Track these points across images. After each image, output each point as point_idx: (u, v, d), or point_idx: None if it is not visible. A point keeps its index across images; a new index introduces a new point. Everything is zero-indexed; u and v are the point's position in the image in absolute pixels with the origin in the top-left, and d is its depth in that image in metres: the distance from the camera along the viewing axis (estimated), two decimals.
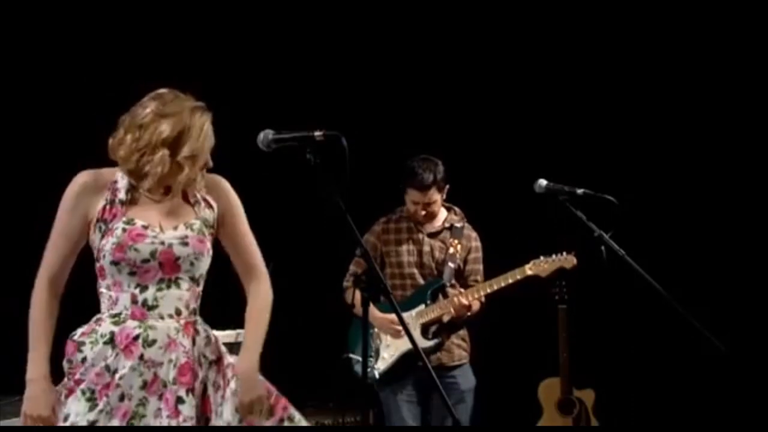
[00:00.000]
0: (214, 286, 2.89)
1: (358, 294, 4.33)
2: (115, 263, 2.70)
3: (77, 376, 2.72)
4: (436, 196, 4.51)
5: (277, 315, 4.86)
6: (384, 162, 4.99)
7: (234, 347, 4.79)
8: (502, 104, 6.05)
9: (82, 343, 2.73)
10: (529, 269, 4.45)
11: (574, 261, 4.45)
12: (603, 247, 3.73)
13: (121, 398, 2.68)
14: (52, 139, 5.50)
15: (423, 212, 4.53)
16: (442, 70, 6.14)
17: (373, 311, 4.47)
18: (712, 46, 5.62)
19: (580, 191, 3.88)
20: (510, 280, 4.46)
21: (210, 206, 2.86)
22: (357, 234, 2.91)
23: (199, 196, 2.85)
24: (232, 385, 2.84)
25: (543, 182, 3.96)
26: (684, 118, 5.72)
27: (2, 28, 5.47)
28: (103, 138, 2.81)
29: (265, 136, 2.90)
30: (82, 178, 2.76)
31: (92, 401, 2.68)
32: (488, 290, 4.47)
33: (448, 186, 4.55)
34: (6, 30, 5.48)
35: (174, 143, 2.71)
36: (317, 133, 2.87)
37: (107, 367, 2.69)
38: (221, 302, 3.03)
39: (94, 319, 2.76)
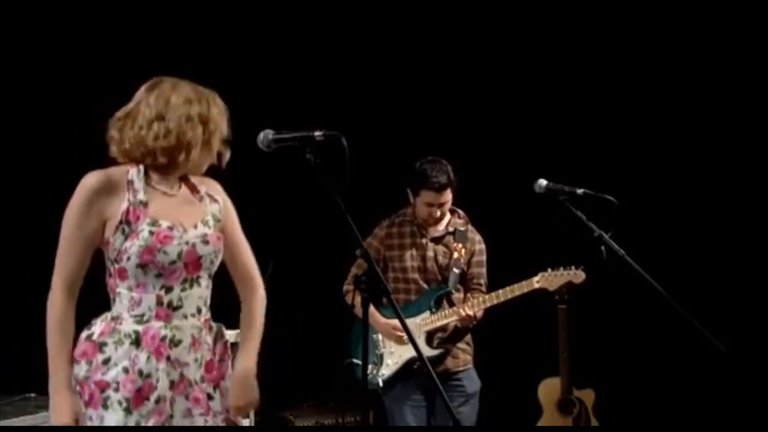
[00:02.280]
0: (214, 286, 2.89)
1: (359, 296, 4.33)
2: (141, 266, 2.66)
3: (98, 377, 2.65)
4: (449, 196, 4.52)
5: (278, 315, 4.87)
6: (384, 162, 4.99)
7: (234, 347, 4.81)
8: (502, 105, 6.04)
9: (104, 344, 2.67)
10: (536, 282, 4.43)
11: (583, 276, 4.42)
12: (603, 247, 3.73)
13: (158, 401, 2.66)
14: (49, 140, 5.50)
15: (438, 213, 4.53)
16: (442, 70, 6.14)
17: (377, 317, 4.48)
18: (712, 46, 5.62)
19: (580, 191, 3.88)
20: (517, 293, 4.44)
21: (215, 200, 2.88)
22: (357, 234, 2.91)
23: (203, 191, 2.86)
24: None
25: (543, 182, 3.96)
26: (684, 118, 5.72)
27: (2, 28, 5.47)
28: (100, 137, 2.81)
29: (265, 136, 2.90)
30: (94, 178, 2.70)
31: (128, 411, 2.63)
32: (494, 302, 4.45)
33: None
34: (6, 30, 5.48)
35: (203, 123, 2.73)
36: (317, 133, 2.87)
37: (140, 372, 2.65)
38: (221, 302, 3.03)
39: (110, 317, 2.71)
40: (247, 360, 2.92)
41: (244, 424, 4.79)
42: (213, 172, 2.95)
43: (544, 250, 4.52)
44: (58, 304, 2.66)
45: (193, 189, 2.86)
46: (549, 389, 5.24)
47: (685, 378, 5.51)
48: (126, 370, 2.64)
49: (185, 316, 2.73)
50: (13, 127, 5.40)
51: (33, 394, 4.44)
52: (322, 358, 4.97)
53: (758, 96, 5.57)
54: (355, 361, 4.53)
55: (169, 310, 2.70)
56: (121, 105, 2.85)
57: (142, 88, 2.79)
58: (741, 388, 5.28)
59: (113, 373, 2.64)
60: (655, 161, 5.75)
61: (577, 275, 4.43)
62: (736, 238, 5.60)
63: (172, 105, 2.72)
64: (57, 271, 2.69)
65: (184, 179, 2.85)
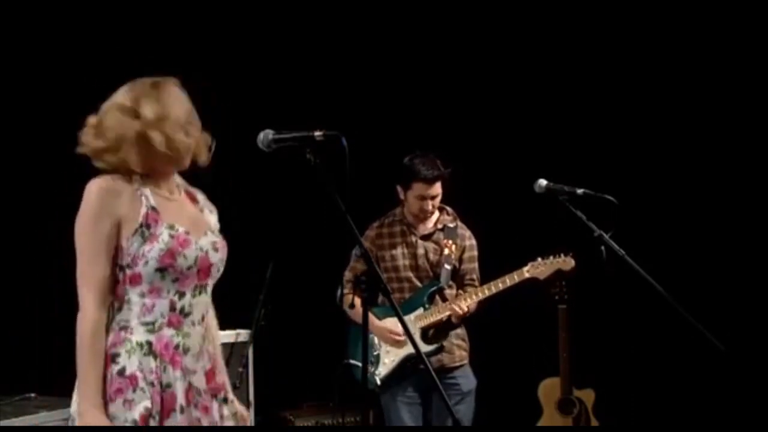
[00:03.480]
0: (214, 286, 2.88)
1: (357, 299, 4.33)
2: (161, 270, 2.62)
3: (115, 387, 2.58)
4: (440, 189, 4.53)
5: (278, 315, 4.87)
6: (384, 162, 4.98)
7: (234, 347, 4.83)
8: (502, 104, 6.04)
9: (117, 354, 2.60)
10: (526, 272, 4.46)
11: (573, 263, 4.45)
12: (603, 247, 3.73)
13: (182, 411, 2.64)
14: (49, 141, 5.50)
15: (430, 206, 4.54)
16: (442, 70, 6.14)
17: (373, 320, 4.48)
18: (712, 46, 5.62)
19: (580, 191, 3.88)
20: (508, 283, 4.46)
21: (211, 210, 2.89)
22: (357, 234, 2.91)
23: (201, 201, 2.86)
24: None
25: (543, 182, 3.96)
26: (683, 118, 5.71)
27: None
28: None
29: (265, 136, 2.89)
30: (103, 181, 2.64)
31: (162, 422, 2.60)
32: (486, 293, 4.47)
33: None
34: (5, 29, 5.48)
35: (135, 117, 2.65)
36: (317, 133, 2.86)
37: (161, 384, 2.61)
38: (221, 302, 3.02)
39: (119, 327, 2.64)
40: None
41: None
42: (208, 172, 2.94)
43: (543, 251, 4.52)
44: (90, 318, 2.58)
45: (193, 199, 2.85)
46: (549, 389, 5.24)
47: (685, 378, 5.51)
48: (152, 384, 2.60)
49: (193, 323, 2.70)
50: (12, 128, 5.40)
51: (33, 394, 4.45)
52: (322, 358, 4.96)
53: (758, 96, 5.56)
54: (353, 362, 4.53)
55: (180, 316, 2.67)
56: None
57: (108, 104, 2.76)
58: (741, 388, 5.28)
59: (145, 400, 2.57)
60: (655, 161, 5.75)
61: (566, 262, 4.45)
62: (735, 238, 5.60)
63: (107, 108, 2.69)
64: (85, 284, 2.60)
65: (182, 188, 2.83)
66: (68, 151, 2.75)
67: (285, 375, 5.76)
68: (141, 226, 2.63)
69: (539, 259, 4.47)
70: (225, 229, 2.90)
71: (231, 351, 4.80)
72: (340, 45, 6.11)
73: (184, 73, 2.84)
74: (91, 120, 2.70)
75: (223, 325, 4.59)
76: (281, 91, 5.95)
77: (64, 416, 4.15)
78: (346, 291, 4.54)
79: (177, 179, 2.83)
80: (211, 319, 2.87)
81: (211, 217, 2.87)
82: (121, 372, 2.58)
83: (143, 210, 2.64)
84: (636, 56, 5.78)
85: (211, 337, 2.83)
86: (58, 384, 4.58)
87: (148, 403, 2.57)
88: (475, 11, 6.07)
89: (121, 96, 2.70)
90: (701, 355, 4.01)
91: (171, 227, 2.65)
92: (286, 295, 5.11)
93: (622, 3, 5.79)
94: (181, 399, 2.62)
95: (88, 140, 2.68)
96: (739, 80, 5.59)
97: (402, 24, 6.13)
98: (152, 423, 2.57)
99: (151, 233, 2.63)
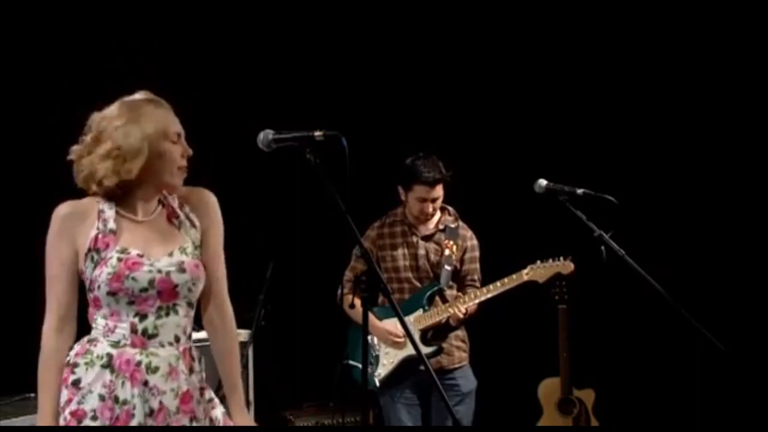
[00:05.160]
0: None
1: (358, 298, 4.33)
2: (112, 293, 2.62)
3: (74, 407, 2.60)
4: (441, 191, 4.53)
5: (278, 315, 4.87)
6: (384, 162, 4.98)
7: (241, 346, 4.82)
8: (502, 104, 6.04)
9: (76, 365, 2.64)
10: (525, 274, 4.46)
11: (572, 267, 4.45)
12: (603, 247, 3.73)
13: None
14: (48, 141, 5.49)
15: (430, 208, 4.54)
16: (442, 70, 6.14)
17: (373, 321, 4.48)
18: (712, 46, 5.62)
19: (580, 191, 3.88)
20: (507, 285, 4.46)
21: (194, 225, 2.79)
22: (357, 234, 2.91)
23: (182, 215, 2.78)
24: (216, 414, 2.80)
25: (543, 182, 3.96)
26: (683, 117, 5.71)
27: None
28: None
29: (265, 136, 2.89)
30: (64, 207, 2.70)
31: None
32: (486, 295, 4.47)
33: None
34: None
35: (99, 141, 2.66)
36: (317, 133, 2.86)
37: (116, 399, 2.60)
38: None
39: (86, 339, 2.68)
40: (241, 402, 2.85)
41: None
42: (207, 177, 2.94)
43: (543, 252, 4.52)
44: (47, 339, 2.66)
45: (172, 213, 2.77)
46: (549, 389, 5.24)
47: (685, 378, 5.51)
48: (102, 398, 2.60)
49: (162, 345, 2.66)
50: (12, 128, 5.39)
51: (33, 394, 4.43)
52: (322, 358, 4.96)
53: (758, 96, 5.56)
54: (352, 362, 4.53)
55: (144, 338, 2.64)
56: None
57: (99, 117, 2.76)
58: (741, 387, 5.28)
59: (90, 402, 2.60)
60: (655, 161, 5.75)
61: (566, 266, 4.45)
62: (735, 238, 5.60)
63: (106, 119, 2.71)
64: (47, 305, 2.68)
65: (163, 203, 2.77)
66: (66, 151, 2.75)
67: (285, 375, 5.75)
68: (89, 250, 2.65)
69: (538, 262, 4.46)
70: (225, 230, 2.89)
71: None
72: (339, 45, 6.11)
73: (183, 73, 2.84)
74: (92, 131, 2.70)
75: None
76: (281, 91, 5.95)
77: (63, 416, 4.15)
78: (346, 291, 4.54)
79: (163, 191, 2.78)
80: (229, 340, 2.85)
81: (191, 234, 2.77)
82: (76, 383, 2.62)
83: (92, 233, 2.65)
84: (636, 56, 5.78)
85: (219, 356, 2.83)
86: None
87: (86, 407, 2.59)
88: (475, 12, 6.07)
89: (122, 109, 2.70)
90: (701, 355, 4.01)
91: (123, 251, 2.64)
92: (286, 295, 5.12)
93: (622, 3, 5.79)
94: (139, 417, 2.59)
95: (85, 149, 2.69)
96: (739, 80, 5.59)
97: (402, 24, 6.12)
98: (76, 415, 2.60)
99: (101, 257, 2.64)
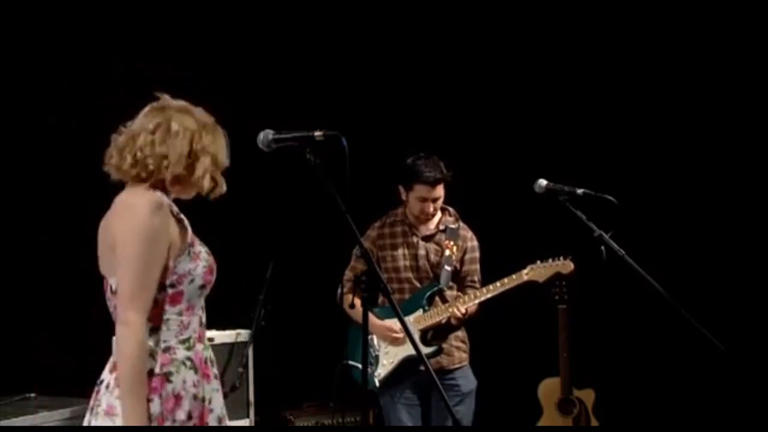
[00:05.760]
0: (215, 286, 2.88)
1: (358, 298, 4.33)
2: (203, 287, 2.68)
3: (171, 406, 2.58)
4: (442, 191, 4.53)
5: (278, 315, 4.87)
6: (384, 162, 4.98)
7: (234, 347, 4.84)
8: (502, 104, 6.04)
9: (170, 373, 2.60)
10: (525, 274, 4.45)
11: (572, 266, 4.45)
12: (603, 247, 3.73)
13: (219, 421, 2.70)
14: (48, 142, 5.50)
15: (431, 208, 4.54)
16: (442, 70, 6.14)
17: (373, 319, 4.47)
18: (712, 46, 5.62)
19: (580, 191, 3.88)
20: (507, 285, 4.46)
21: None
22: (357, 234, 2.91)
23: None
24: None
25: (543, 182, 3.96)
26: (684, 117, 5.71)
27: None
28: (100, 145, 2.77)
29: (265, 136, 2.90)
30: (156, 199, 2.60)
31: None
32: (486, 296, 4.47)
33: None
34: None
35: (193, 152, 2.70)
36: (317, 133, 2.87)
37: (203, 399, 2.67)
38: (221, 302, 3.03)
39: (161, 348, 2.61)
40: None
41: (244, 424, 4.81)
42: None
43: (543, 252, 4.52)
44: (144, 338, 2.52)
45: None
46: (549, 389, 5.24)
47: (685, 378, 5.51)
48: (195, 397, 2.65)
49: (205, 336, 2.79)
50: (12, 128, 5.39)
51: (33, 394, 4.45)
52: (322, 358, 4.96)
53: (758, 96, 5.56)
54: (351, 363, 4.53)
55: (203, 329, 2.73)
56: (122, 106, 2.84)
57: (147, 110, 2.74)
58: (741, 387, 5.28)
59: (186, 405, 2.62)
60: (655, 161, 5.75)
61: (565, 265, 4.45)
62: (735, 238, 5.60)
63: (172, 132, 2.67)
64: (133, 300, 2.52)
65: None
66: (66, 153, 2.75)
67: (285, 375, 5.75)
68: (189, 246, 2.65)
69: (538, 262, 4.46)
70: (225, 230, 2.90)
71: (231, 351, 4.81)
72: (339, 45, 6.11)
73: (184, 73, 2.84)
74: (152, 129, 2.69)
75: (223, 325, 4.61)
76: (281, 91, 5.95)
77: (64, 416, 4.16)
78: (345, 291, 4.54)
79: None
80: None
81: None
82: (173, 392, 2.60)
83: (189, 229, 2.67)
84: (636, 56, 5.78)
85: None
86: (58, 384, 4.60)
87: (182, 416, 2.60)
88: (476, 12, 6.07)
89: (187, 118, 2.71)
90: (701, 355, 4.01)
91: (202, 245, 2.72)
92: (286, 295, 5.12)
93: (622, 3, 5.79)
94: (217, 411, 2.70)
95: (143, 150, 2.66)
96: (739, 80, 5.59)
97: (402, 24, 6.13)
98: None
99: (194, 252, 2.66)
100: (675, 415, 5.61)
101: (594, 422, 5.14)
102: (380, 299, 4.52)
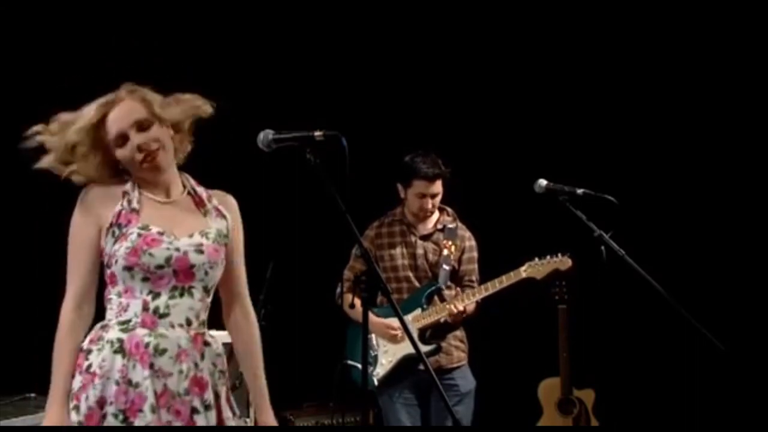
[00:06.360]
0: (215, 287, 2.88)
1: (358, 298, 4.32)
2: (128, 268, 2.65)
3: (92, 393, 2.60)
4: (441, 187, 4.54)
5: (278, 315, 4.87)
6: (384, 162, 4.98)
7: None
8: (502, 104, 6.04)
9: (90, 351, 2.65)
10: (524, 271, 4.46)
11: (569, 263, 4.46)
12: (603, 247, 3.73)
13: (152, 410, 2.61)
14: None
15: (430, 205, 4.54)
16: (442, 70, 6.14)
17: (372, 317, 4.47)
18: (712, 46, 5.62)
19: (580, 191, 3.88)
20: (505, 283, 4.46)
21: (223, 216, 2.84)
22: (357, 234, 2.91)
23: (210, 205, 2.83)
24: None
25: (543, 182, 3.96)
26: (684, 117, 5.72)
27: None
28: None
29: (265, 136, 2.89)
30: (92, 189, 2.75)
31: (127, 421, 2.58)
32: (483, 294, 4.47)
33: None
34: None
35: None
36: (317, 133, 2.86)
37: (129, 382, 2.61)
38: (221, 302, 3.02)
39: (99, 325, 2.70)
40: (266, 400, 2.98)
41: (244, 424, 4.80)
42: (213, 172, 2.94)
43: (543, 251, 4.52)
44: (65, 317, 2.68)
45: (200, 203, 2.83)
46: (549, 389, 5.24)
47: (685, 378, 5.51)
48: (117, 383, 2.60)
49: (172, 326, 2.67)
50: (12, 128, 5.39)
51: (33, 394, 4.44)
52: (322, 358, 4.96)
53: (758, 96, 5.56)
54: (351, 363, 4.53)
55: (155, 316, 2.66)
56: None
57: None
58: (741, 387, 5.28)
59: (108, 389, 2.60)
60: (655, 161, 5.75)
61: (564, 262, 4.45)
62: (735, 237, 5.60)
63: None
64: (67, 284, 2.72)
65: (190, 192, 2.84)
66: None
67: (285, 375, 5.74)
68: (111, 225, 2.69)
69: (536, 259, 4.47)
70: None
71: (231, 351, 4.80)
72: (339, 45, 6.11)
73: (183, 73, 2.84)
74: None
75: (223, 325, 4.58)
76: (281, 91, 5.95)
77: None
78: (345, 290, 4.54)
79: (190, 182, 2.86)
80: (253, 340, 2.95)
81: (217, 222, 2.82)
82: (89, 368, 2.63)
83: (116, 209, 2.70)
84: (636, 57, 5.79)
85: (241, 349, 2.94)
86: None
87: (92, 402, 2.60)
88: (475, 11, 6.07)
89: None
90: (701, 355, 4.01)
91: (144, 227, 2.69)
92: (286, 295, 5.12)
93: (622, 3, 5.79)
94: (151, 399, 2.60)
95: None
96: (738, 80, 5.60)
97: (402, 24, 6.12)
98: (114, 421, 2.58)
99: (122, 233, 2.68)
100: (675, 415, 5.61)
101: (594, 422, 5.14)
102: (379, 299, 4.52)
